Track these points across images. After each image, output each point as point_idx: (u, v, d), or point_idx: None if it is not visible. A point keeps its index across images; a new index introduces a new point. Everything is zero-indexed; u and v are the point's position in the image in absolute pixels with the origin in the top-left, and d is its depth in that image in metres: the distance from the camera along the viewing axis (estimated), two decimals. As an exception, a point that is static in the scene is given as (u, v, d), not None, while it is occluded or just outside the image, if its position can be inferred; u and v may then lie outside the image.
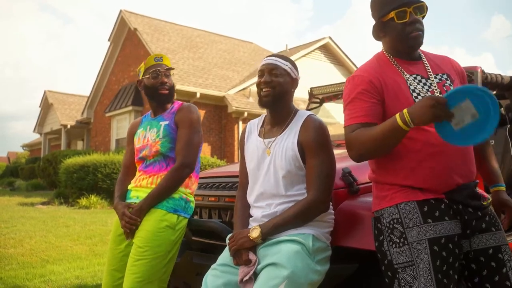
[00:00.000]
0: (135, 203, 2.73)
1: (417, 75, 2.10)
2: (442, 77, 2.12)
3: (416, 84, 2.07)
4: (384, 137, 1.91)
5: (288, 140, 2.31)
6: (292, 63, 2.42)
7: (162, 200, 2.66)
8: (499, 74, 3.83)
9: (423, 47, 2.18)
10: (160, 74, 2.85)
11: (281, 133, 2.36)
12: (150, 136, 2.84)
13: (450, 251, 1.96)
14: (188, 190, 2.79)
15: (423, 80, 2.09)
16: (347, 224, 2.39)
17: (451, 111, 1.75)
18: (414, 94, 2.04)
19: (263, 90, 2.35)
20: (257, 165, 2.38)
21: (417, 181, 2.02)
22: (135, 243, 2.61)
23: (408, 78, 2.08)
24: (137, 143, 2.93)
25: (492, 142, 4.26)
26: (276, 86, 2.33)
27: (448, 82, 2.11)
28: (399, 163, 2.04)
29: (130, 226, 2.63)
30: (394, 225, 2.04)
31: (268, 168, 2.33)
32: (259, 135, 2.46)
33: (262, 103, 2.38)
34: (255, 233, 2.19)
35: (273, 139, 2.36)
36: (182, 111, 2.84)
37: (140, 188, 2.79)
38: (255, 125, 2.55)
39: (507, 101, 4.52)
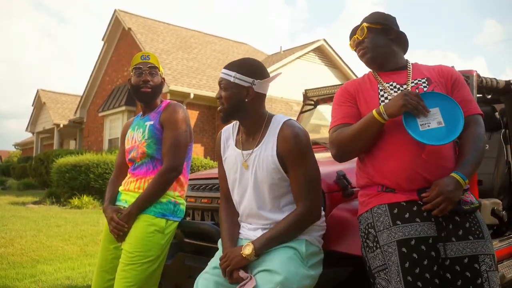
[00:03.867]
0: (124, 207, 2.71)
1: (393, 82, 2.25)
2: (419, 81, 2.23)
3: (389, 90, 2.23)
4: (360, 130, 2.11)
5: (266, 153, 2.21)
6: (243, 70, 2.22)
7: (151, 204, 2.63)
8: (494, 78, 3.83)
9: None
10: (143, 72, 2.77)
11: (257, 145, 2.25)
12: (137, 137, 2.79)
13: (423, 254, 1.95)
14: (177, 193, 2.74)
15: (398, 86, 2.23)
16: (340, 228, 2.38)
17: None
18: (382, 99, 2.21)
19: (218, 105, 2.29)
20: (238, 180, 2.30)
21: (384, 177, 2.11)
22: (125, 248, 2.59)
23: (384, 85, 2.25)
24: (127, 144, 2.87)
25: (486, 147, 4.26)
26: (224, 102, 2.23)
27: (424, 84, 2.21)
28: (371, 162, 2.18)
29: (117, 232, 2.61)
30: (369, 230, 2.11)
31: (251, 183, 2.25)
32: (236, 145, 2.35)
33: (220, 119, 2.33)
34: (247, 250, 2.11)
35: (250, 151, 2.26)
36: (167, 111, 2.75)
37: (128, 191, 2.76)
38: (230, 133, 2.43)
39: (501, 106, 4.52)
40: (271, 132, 2.23)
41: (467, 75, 3.38)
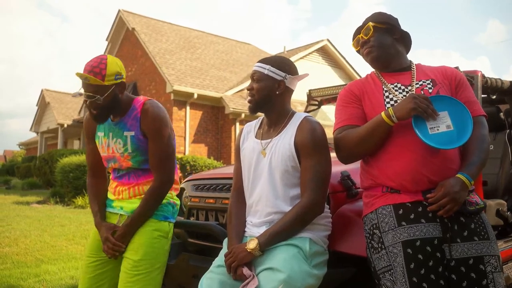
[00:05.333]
0: (121, 214, 2.56)
1: (398, 83, 2.25)
2: (424, 82, 2.22)
3: (394, 91, 2.22)
4: (368, 132, 2.10)
5: (284, 141, 2.29)
6: (277, 65, 2.35)
7: (146, 219, 2.49)
8: (499, 79, 3.82)
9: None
10: (87, 105, 2.45)
11: (277, 135, 2.34)
12: (116, 147, 2.53)
13: (429, 255, 1.95)
14: (174, 193, 2.65)
15: (402, 87, 2.23)
16: (344, 229, 2.38)
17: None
18: (387, 100, 2.20)
19: (248, 96, 2.39)
20: (254, 167, 2.35)
21: (389, 179, 2.10)
22: (128, 257, 2.44)
23: (388, 86, 2.25)
24: (102, 151, 2.61)
25: (491, 147, 4.25)
26: (255, 93, 2.34)
27: (429, 86, 2.20)
28: (375, 164, 2.17)
29: (113, 253, 2.45)
30: (374, 230, 2.11)
31: (265, 169, 2.30)
32: (256, 136, 2.43)
33: (248, 109, 2.41)
34: (252, 244, 2.14)
35: (269, 140, 2.34)
36: (147, 120, 2.47)
37: (122, 199, 2.58)
38: (252, 127, 2.52)
39: (506, 106, 4.51)
40: (292, 125, 2.33)
41: (472, 75, 3.37)
